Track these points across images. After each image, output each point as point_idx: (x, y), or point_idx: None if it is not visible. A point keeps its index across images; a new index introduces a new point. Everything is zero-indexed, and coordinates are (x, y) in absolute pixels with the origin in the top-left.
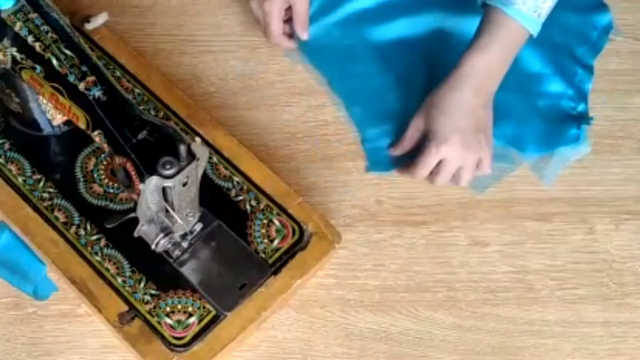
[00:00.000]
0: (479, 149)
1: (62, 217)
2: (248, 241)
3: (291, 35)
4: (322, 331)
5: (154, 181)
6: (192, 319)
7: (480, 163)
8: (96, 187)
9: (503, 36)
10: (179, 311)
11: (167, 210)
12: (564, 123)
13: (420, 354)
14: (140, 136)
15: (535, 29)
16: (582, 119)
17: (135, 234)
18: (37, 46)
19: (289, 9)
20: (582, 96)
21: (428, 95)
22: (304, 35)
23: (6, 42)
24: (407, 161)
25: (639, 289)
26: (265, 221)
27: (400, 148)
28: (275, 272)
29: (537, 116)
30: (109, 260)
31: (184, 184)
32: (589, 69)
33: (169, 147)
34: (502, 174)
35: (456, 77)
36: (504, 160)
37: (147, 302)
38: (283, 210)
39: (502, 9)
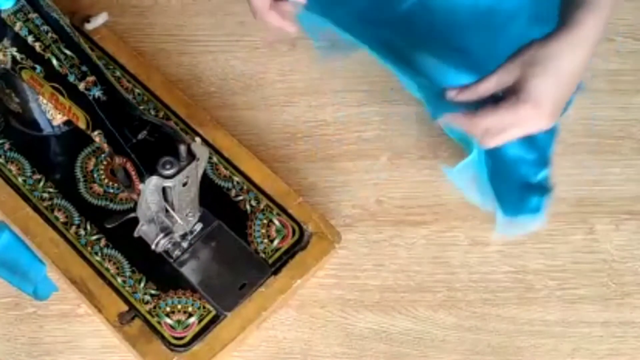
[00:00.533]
0: (550, 124)
1: (62, 217)
2: (248, 241)
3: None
4: (322, 331)
5: (154, 181)
6: (192, 319)
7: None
8: (96, 187)
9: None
10: (179, 311)
11: (167, 210)
12: (524, 191)
13: (420, 354)
14: (140, 136)
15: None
16: (544, 188)
17: (135, 234)
18: (37, 46)
19: None
20: (544, 161)
21: (526, 46)
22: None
23: (6, 42)
24: (465, 110)
25: (639, 289)
26: (265, 221)
27: (470, 93)
28: (275, 272)
29: (497, 179)
30: (109, 260)
31: (184, 184)
32: (551, 130)
33: (169, 147)
34: None
35: (572, 37)
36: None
37: (147, 302)
38: (283, 210)
39: None
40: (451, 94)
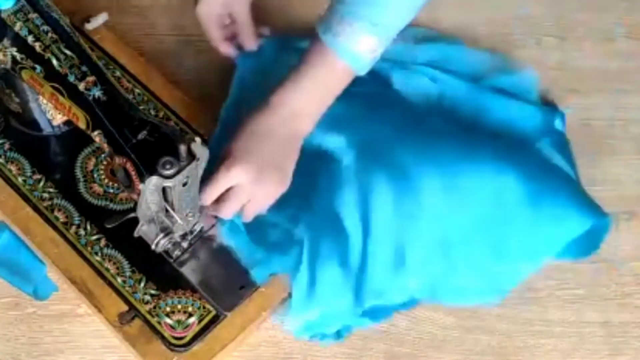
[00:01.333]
0: (271, 184)
1: (62, 217)
2: None
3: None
4: None
5: (154, 181)
6: (192, 319)
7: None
8: (96, 187)
9: (322, 72)
10: (179, 311)
11: (167, 210)
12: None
13: (420, 354)
14: (140, 136)
15: (359, 67)
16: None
17: (135, 234)
18: (37, 46)
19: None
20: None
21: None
22: (252, 46)
23: (6, 42)
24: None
25: (639, 289)
26: None
27: (208, 198)
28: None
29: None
30: (109, 260)
31: (184, 184)
32: None
33: (169, 147)
34: None
35: (268, 109)
36: None
37: (147, 302)
38: None
39: (322, 38)
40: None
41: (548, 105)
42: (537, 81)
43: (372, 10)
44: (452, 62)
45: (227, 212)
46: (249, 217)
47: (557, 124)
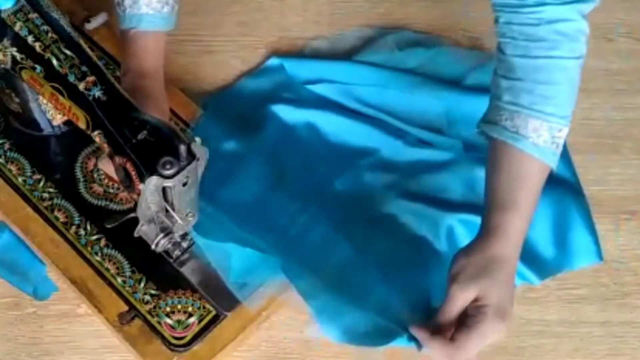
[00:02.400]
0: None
1: (62, 217)
2: None
3: None
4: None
5: (154, 181)
6: (192, 319)
7: None
8: (96, 187)
9: (532, 184)
10: (179, 311)
11: (167, 210)
12: None
13: (420, 354)
14: (140, 136)
15: (555, 162)
16: None
17: (135, 234)
18: (37, 46)
19: None
20: None
21: (459, 259)
22: None
23: (6, 42)
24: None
25: (639, 289)
26: None
27: (442, 320)
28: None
29: None
30: (109, 260)
31: (184, 184)
32: None
33: (169, 147)
34: None
35: (504, 242)
36: None
37: (147, 302)
38: None
39: (518, 147)
40: (420, 337)
41: None
42: None
43: (553, 104)
44: (437, 65)
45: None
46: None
47: None
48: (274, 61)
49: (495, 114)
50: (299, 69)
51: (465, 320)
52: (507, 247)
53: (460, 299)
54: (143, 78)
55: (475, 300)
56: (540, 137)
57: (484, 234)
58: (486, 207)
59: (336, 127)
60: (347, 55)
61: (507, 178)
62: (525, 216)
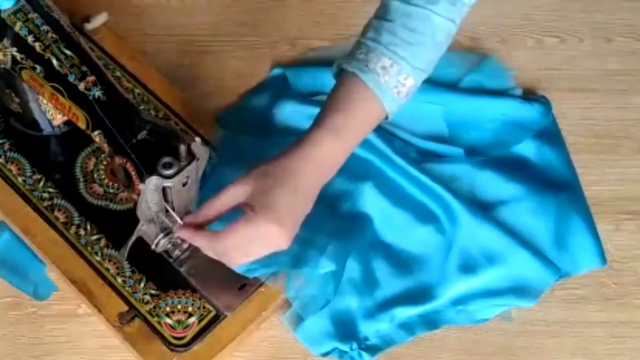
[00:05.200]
0: (290, 241)
1: (62, 217)
2: None
3: None
4: None
5: (154, 181)
6: (192, 319)
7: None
8: (96, 187)
9: (361, 116)
10: (179, 311)
11: (167, 210)
12: None
13: (420, 354)
14: (140, 136)
15: (393, 111)
16: None
17: (135, 234)
18: (37, 46)
19: None
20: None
21: (260, 162)
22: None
23: (6, 42)
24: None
25: (639, 289)
26: None
27: (205, 213)
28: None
29: None
30: (109, 260)
31: (184, 184)
32: None
33: (169, 147)
34: None
35: (308, 154)
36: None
37: (147, 302)
38: None
39: (360, 77)
40: (185, 236)
41: (531, 96)
42: (512, 73)
43: (411, 51)
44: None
45: (236, 262)
46: (238, 264)
47: (544, 113)
48: (276, 71)
49: (354, 49)
50: (301, 79)
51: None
52: (305, 162)
53: (229, 194)
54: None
55: (249, 200)
56: (385, 77)
57: (289, 146)
58: (314, 121)
59: None
60: None
61: (339, 103)
62: (338, 144)
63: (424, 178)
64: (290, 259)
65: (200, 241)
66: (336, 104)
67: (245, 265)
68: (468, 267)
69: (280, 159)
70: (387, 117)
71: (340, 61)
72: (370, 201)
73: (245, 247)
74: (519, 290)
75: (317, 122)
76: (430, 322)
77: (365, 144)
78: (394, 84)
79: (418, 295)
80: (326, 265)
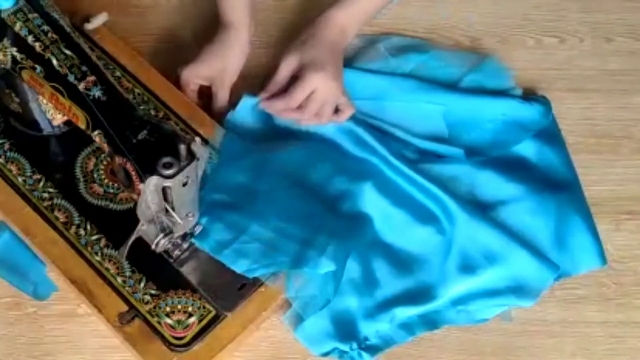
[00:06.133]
0: (341, 87)
1: (62, 217)
2: None
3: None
4: None
5: (154, 181)
6: (192, 319)
7: (340, 106)
8: (96, 187)
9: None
10: (179, 311)
11: (167, 210)
12: None
13: (420, 354)
14: (140, 136)
15: None
16: None
17: (135, 234)
18: (37, 46)
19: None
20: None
21: (296, 39)
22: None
23: (6, 42)
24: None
25: (639, 289)
26: None
27: (271, 88)
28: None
29: None
30: (109, 260)
31: (184, 184)
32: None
33: (169, 147)
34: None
35: (319, 23)
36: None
37: (147, 302)
38: None
39: None
40: (263, 96)
41: (530, 96)
42: (512, 73)
43: None
44: (431, 69)
45: (309, 114)
46: (325, 121)
47: (544, 113)
48: None
49: None
50: None
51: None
52: (324, 27)
53: (284, 69)
54: (227, 31)
55: (300, 64)
56: None
57: (315, 22)
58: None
59: (340, 140)
60: (347, 59)
61: None
62: (344, 12)
63: (420, 179)
64: (290, 259)
65: (276, 105)
66: None
67: (245, 265)
68: (467, 267)
69: (308, 30)
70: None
71: None
72: (370, 201)
73: (313, 100)
74: (518, 290)
75: (331, 6)
76: (430, 322)
77: (364, 145)
78: None
79: (418, 295)
80: (326, 265)
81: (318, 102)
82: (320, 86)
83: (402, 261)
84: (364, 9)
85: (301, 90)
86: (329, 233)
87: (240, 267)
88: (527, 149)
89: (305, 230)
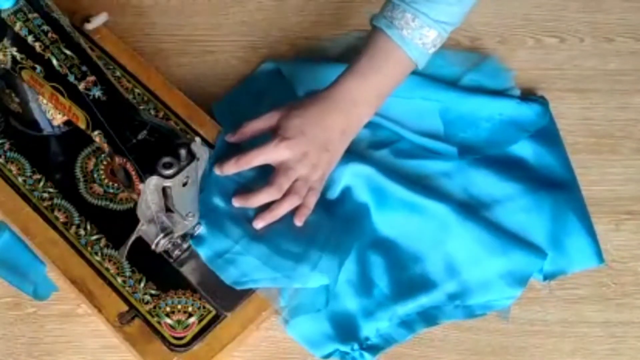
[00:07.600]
0: (317, 166)
1: (62, 217)
2: None
3: None
4: None
5: (154, 181)
6: (192, 319)
7: (310, 191)
8: (96, 187)
9: (384, 63)
10: (179, 311)
11: (167, 210)
12: None
13: (420, 354)
14: (140, 136)
15: (420, 59)
16: None
17: (135, 234)
18: (37, 46)
19: None
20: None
21: (295, 100)
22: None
23: (6, 42)
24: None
25: (639, 289)
26: None
27: (240, 134)
28: None
29: None
30: (109, 260)
31: (184, 184)
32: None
33: (169, 147)
34: None
35: (327, 96)
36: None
37: (147, 302)
38: None
39: (386, 32)
40: (229, 137)
41: (528, 96)
42: (512, 73)
43: (431, 7)
44: (431, 67)
45: (280, 187)
46: (302, 197)
47: (541, 113)
48: (268, 65)
49: (384, 7)
50: (295, 73)
51: None
52: (330, 101)
53: (264, 119)
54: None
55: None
56: (408, 30)
57: (325, 89)
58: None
59: None
60: (347, 57)
61: (368, 55)
62: (358, 82)
63: (414, 178)
64: (282, 275)
65: (240, 203)
66: (363, 52)
67: (235, 277)
68: (462, 263)
69: (308, 99)
70: (417, 66)
71: (372, 16)
72: (365, 198)
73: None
74: (507, 276)
75: (349, 69)
76: (429, 317)
77: (358, 141)
78: (417, 37)
79: (415, 287)
80: (318, 280)
81: (287, 178)
82: (286, 159)
83: (398, 258)
84: (384, 79)
85: (258, 155)
86: (324, 240)
87: (229, 277)
88: (525, 149)
89: (299, 241)
